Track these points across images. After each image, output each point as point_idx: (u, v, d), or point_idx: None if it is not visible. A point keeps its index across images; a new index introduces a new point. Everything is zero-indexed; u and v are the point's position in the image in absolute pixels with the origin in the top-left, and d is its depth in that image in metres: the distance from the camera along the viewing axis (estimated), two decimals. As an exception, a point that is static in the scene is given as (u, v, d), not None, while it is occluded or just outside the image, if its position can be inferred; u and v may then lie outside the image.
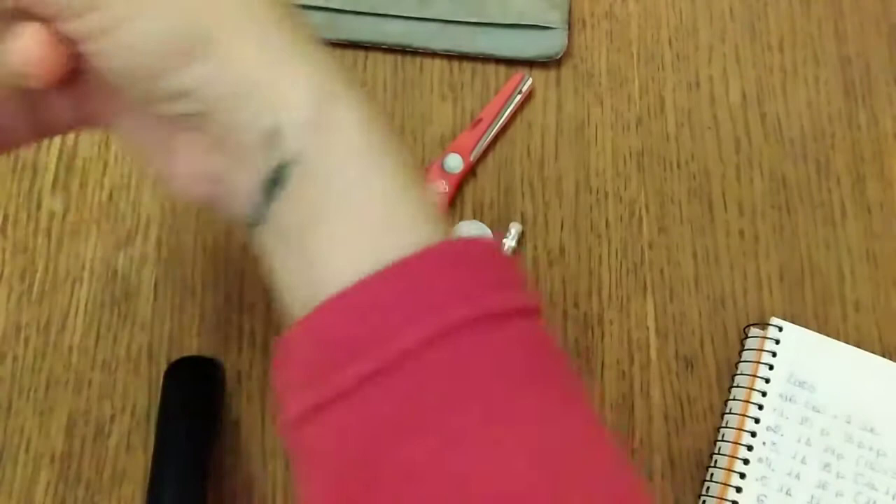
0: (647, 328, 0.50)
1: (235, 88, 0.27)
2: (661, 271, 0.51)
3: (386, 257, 0.26)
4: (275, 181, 0.27)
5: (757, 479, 0.46)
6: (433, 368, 0.25)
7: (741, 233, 0.53)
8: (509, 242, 0.50)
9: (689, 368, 0.50)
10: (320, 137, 0.27)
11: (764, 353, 0.48)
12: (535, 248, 0.51)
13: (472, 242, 0.28)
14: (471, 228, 0.50)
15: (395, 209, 0.27)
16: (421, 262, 0.26)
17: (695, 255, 0.52)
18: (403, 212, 0.28)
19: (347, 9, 0.53)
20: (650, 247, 0.52)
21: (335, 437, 0.26)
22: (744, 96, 0.56)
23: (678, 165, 0.54)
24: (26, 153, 0.51)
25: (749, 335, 0.50)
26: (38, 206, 0.49)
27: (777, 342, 0.48)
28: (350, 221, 0.27)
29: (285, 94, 0.27)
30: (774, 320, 0.49)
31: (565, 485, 0.25)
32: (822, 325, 0.51)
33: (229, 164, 0.29)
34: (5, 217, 0.49)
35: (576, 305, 0.50)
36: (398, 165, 0.28)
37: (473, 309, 0.26)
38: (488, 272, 0.27)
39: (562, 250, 0.51)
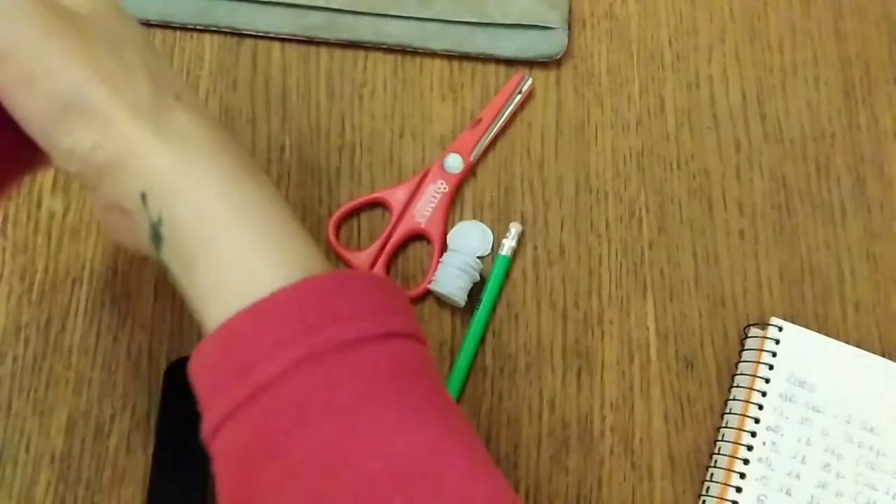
0: (647, 328, 0.50)
1: (115, 156, 0.31)
2: (661, 271, 0.51)
3: (247, 300, 0.30)
4: (155, 237, 0.32)
5: (757, 479, 0.46)
6: (284, 397, 0.29)
7: (741, 233, 0.53)
8: (509, 242, 0.50)
9: (689, 368, 0.50)
10: (178, 200, 0.31)
11: (764, 353, 0.48)
12: (535, 248, 0.51)
13: (332, 277, 0.31)
14: (471, 228, 0.50)
15: (254, 258, 0.31)
16: (274, 303, 0.30)
17: (695, 255, 0.52)
18: (262, 259, 0.31)
19: (347, 9, 0.53)
20: (650, 247, 0.52)
21: (222, 455, 0.30)
22: (744, 96, 0.56)
23: (678, 165, 0.54)
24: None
25: (749, 335, 0.50)
26: (38, 206, 0.49)
27: (777, 342, 0.48)
28: (214, 270, 0.31)
29: (150, 162, 0.31)
30: (774, 320, 0.49)
31: (413, 484, 0.28)
32: (822, 325, 0.51)
33: (126, 221, 0.33)
34: (5, 217, 0.49)
35: (576, 305, 0.50)
36: (259, 216, 0.32)
37: (316, 340, 0.29)
38: (338, 305, 0.30)
39: (562, 250, 0.51)
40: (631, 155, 0.54)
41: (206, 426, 0.31)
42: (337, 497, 0.28)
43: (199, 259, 0.31)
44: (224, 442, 0.30)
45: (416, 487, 0.28)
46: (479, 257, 0.49)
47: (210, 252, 0.31)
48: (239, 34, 0.53)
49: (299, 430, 0.29)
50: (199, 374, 0.31)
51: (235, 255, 0.31)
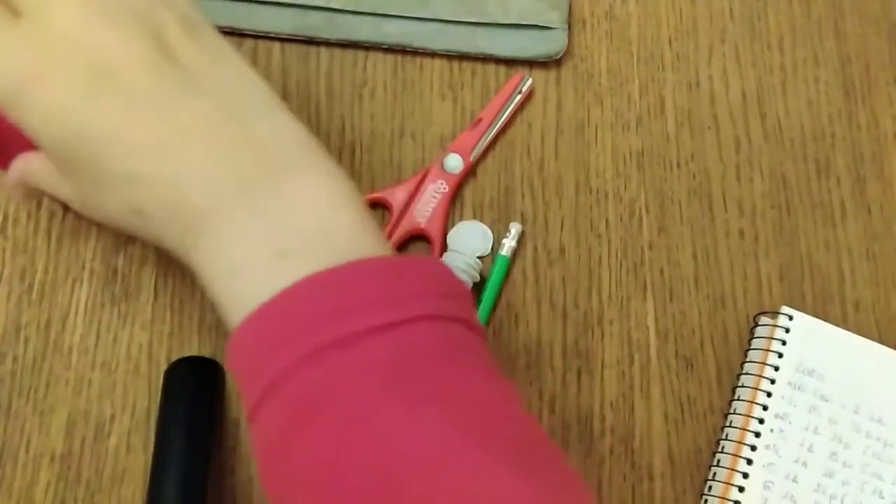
0: (647, 328, 0.50)
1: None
2: (661, 271, 0.51)
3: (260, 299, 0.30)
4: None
5: (764, 466, 0.46)
6: (287, 399, 0.29)
7: (741, 232, 0.53)
8: (509, 242, 0.50)
9: (689, 368, 0.50)
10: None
11: (773, 342, 0.48)
12: (535, 248, 0.51)
13: (341, 269, 0.30)
14: (471, 228, 0.50)
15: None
16: (278, 302, 0.30)
17: (695, 255, 0.52)
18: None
19: (347, 9, 0.53)
20: (650, 247, 0.52)
21: (254, 451, 0.31)
22: (744, 96, 0.56)
23: (678, 165, 0.54)
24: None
25: (759, 323, 0.50)
26: (38, 206, 0.49)
27: (787, 331, 0.48)
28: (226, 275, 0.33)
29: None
30: (785, 309, 0.49)
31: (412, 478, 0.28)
32: (823, 325, 0.51)
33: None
34: (5, 217, 0.49)
35: (576, 305, 0.50)
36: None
37: (318, 337, 0.29)
38: (344, 298, 0.30)
39: (562, 250, 0.51)
40: (631, 155, 0.54)
41: (246, 418, 0.31)
42: (340, 497, 0.28)
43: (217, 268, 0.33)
44: (254, 437, 0.30)
45: (414, 482, 0.27)
46: (479, 257, 0.49)
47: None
48: (239, 34, 0.53)
49: (302, 432, 0.28)
50: (231, 370, 0.31)
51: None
